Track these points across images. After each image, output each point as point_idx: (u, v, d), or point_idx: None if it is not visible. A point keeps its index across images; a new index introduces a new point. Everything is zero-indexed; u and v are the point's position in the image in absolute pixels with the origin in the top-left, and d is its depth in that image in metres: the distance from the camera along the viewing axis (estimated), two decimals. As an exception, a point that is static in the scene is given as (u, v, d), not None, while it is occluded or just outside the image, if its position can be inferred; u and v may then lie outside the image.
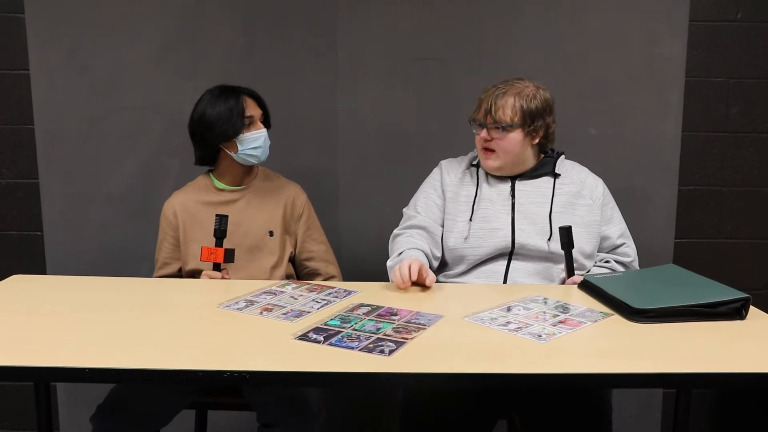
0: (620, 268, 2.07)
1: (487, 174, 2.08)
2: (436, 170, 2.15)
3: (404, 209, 2.14)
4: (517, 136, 1.98)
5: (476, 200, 2.04)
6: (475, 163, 2.10)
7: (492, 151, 2.00)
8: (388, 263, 1.99)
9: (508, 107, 1.96)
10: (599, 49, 2.52)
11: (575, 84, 2.52)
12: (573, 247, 1.90)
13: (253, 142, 2.10)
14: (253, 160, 2.13)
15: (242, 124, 2.07)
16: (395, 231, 2.10)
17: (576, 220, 2.00)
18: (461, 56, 2.52)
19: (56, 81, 2.52)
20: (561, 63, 2.52)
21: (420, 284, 1.81)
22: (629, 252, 2.09)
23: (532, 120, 1.98)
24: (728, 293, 1.61)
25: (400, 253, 1.96)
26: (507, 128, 1.96)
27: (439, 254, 2.05)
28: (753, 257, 2.65)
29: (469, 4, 2.50)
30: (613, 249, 2.08)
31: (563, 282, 1.98)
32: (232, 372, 1.29)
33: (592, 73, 2.53)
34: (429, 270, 1.83)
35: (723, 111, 2.57)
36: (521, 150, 2.01)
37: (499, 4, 2.50)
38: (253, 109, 2.12)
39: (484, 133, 1.99)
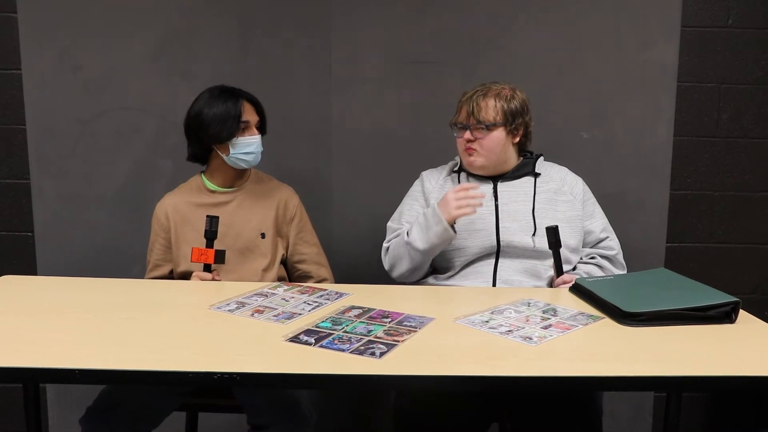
0: (605, 262, 2.10)
1: (469, 178, 2.11)
2: (417, 182, 2.20)
3: (388, 223, 2.16)
4: (499, 134, 2.03)
5: None
6: (456, 169, 2.14)
7: (475, 150, 2.05)
8: (395, 242, 2.07)
9: (490, 108, 2.03)
10: (592, 55, 2.53)
11: (568, 89, 2.54)
12: (560, 246, 1.93)
13: (246, 147, 2.09)
14: (244, 165, 2.13)
15: (237, 127, 2.07)
16: (384, 244, 2.12)
17: (558, 215, 2.04)
18: (455, 60, 2.52)
19: (49, 81, 2.51)
20: (554, 68, 2.53)
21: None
22: (613, 245, 2.13)
23: (513, 118, 2.05)
24: (718, 297, 1.62)
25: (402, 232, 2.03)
26: (490, 127, 2.02)
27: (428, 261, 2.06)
28: (744, 261, 2.67)
29: (463, 8, 2.51)
30: (597, 243, 2.12)
31: (552, 280, 2.00)
32: (222, 373, 1.28)
33: (584, 78, 2.54)
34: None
35: (714, 116, 2.59)
36: (503, 148, 2.06)
37: (493, 8, 2.51)
38: (249, 115, 2.11)
39: (467, 134, 2.04)
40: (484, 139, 2.03)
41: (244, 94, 2.13)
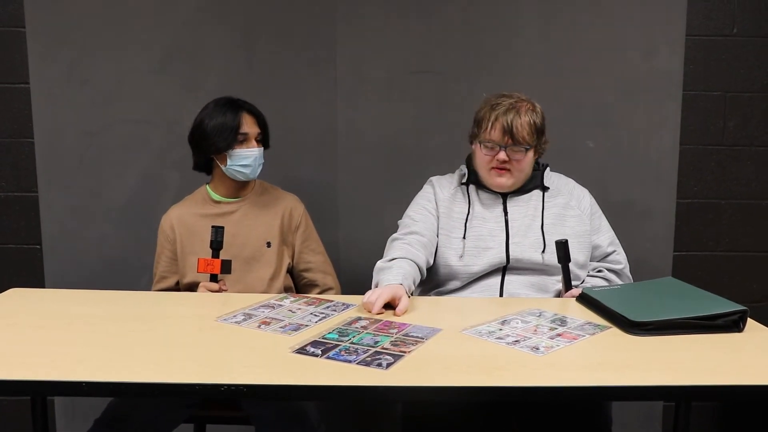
0: (613, 276, 2.09)
1: (478, 192, 2.08)
2: (427, 186, 2.15)
3: (399, 221, 2.13)
4: (531, 154, 2.01)
5: (468, 218, 2.04)
6: (464, 181, 2.10)
7: (507, 170, 1.99)
8: (379, 263, 1.91)
9: (526, 126, 1.96)
10: (597, 63, 2.53)
11: (573, 98, 2.54)
12: (570, 260, 1.91)
13: (243, 159, 2.10)
14: (241, 177, 2.13)
15: (234, 139, 2.08)
16: (394, 235, 2.04)
17: (567, 231, 2.02)
18: (459, 69, 2.53)
19: (56, 94, 2.53)
20: (559, 77, 2.53)
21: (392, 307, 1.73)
22: (620, 259, 2.11)
23: (541, 136, 2.01)
24: (726, 306, 1.61)
25: (392, 259, 1.90)
26: (528, 149, 1.98)
27: (432, 262, 2.02)
28: (751, 270, 2.66)
29: (468, 18, 2.52)
30: (604, 257, 2.10)
31: (559, 293, 1.99)
32: (229, 385, 1.28)
33: (589, 87, 2.54)
34: (404, 299, 1.71)
35: (720, 124, 2.59)
36: (531, 167, 2.04)
37: (498, 17, 2.52)
38: (249, 127, 2.11)
39: (502, 155, 1.97)
40: (522, 161, 1.98)
41: (247, 106, 2.13)
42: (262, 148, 2.15)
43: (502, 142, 1.97)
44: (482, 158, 2.01)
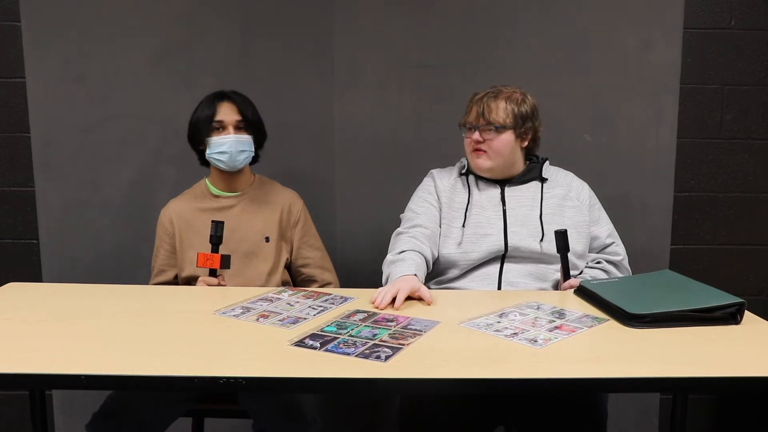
0: (611, 267, 2.10)
1: (477, 181, 2.11)
2: (427, 179, 2.17)
3: (401, 215, 2.13)
4: (508, 137, 2.03)
5: (468, 206, 2.06)
6: (464, 171, 2.13)
7: (483, 151, 2.04)
8: (388, 257, 1.94)
9: (501, 109, 2.02)
10: (594, 57, 2.53)
11: (570, 91, 2.54)
12: (569, 250, 1.92)
13: (218, 147, 2.09)
14: (222, 165, 2.12)
15: (209, 128, 2.09)
16: (398, 229, 2.06)
17: (565, 221, 2.04)
18: (456, 63, 2.53)
19: (52, 89, 2.52)
20: (556, 70, 2.53)
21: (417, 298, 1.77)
22: (619, 251, 2.12)
23: (523, 122, 2.04)
24: (723, 298, 1.61)
25: (401, 252, 1.92)
26: (500, 129, 2.02)
27: (436, 254, 2.04)
28: (748, 263, 2.66)
29: (465, 12, 2.51)
30: (603, 248, 2.12)
31: (557, 283, 2.00)
32: (228, 378, 1.29)
33: (586, 81, 2.54)
34: (424, 289, 1.77)
35: (718, 118, 2.59)
36: (511, 152, 2.05)
37: (494, 11, 2.51)
38: (225, 115, 2.10)
39: (476, 135, 2.03)
40: (493, 141, 2.02)
41: (226, 94, 2.13)
42: (248, 135, 2.11)
43: (476, 122, 2.04)
44: (465, 142, 2.09)
